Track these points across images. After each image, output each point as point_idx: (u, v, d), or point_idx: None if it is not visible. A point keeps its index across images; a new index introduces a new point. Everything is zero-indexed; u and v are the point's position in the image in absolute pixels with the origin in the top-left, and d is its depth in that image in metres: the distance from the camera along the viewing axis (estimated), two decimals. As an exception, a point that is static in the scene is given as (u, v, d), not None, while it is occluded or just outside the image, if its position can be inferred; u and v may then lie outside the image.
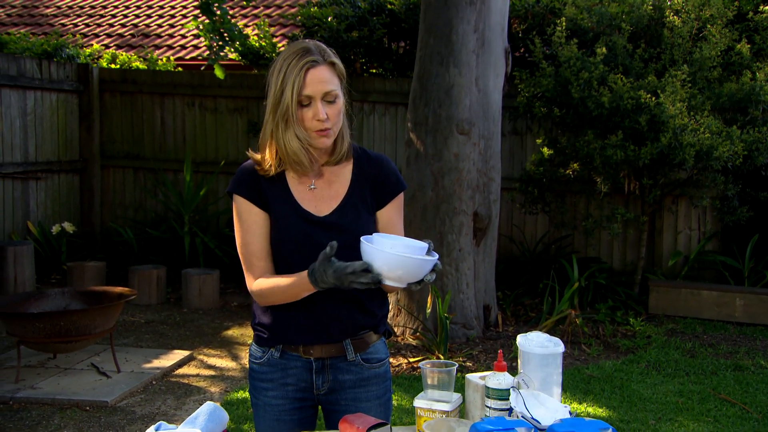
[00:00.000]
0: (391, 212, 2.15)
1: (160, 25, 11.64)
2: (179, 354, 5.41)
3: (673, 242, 7.32)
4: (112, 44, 10.94)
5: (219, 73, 7.13)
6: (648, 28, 6.73)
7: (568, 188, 7.26)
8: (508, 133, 7.48)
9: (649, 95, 6.05)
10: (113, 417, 4.34)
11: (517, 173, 7.44)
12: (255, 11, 11.45)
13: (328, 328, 2.08)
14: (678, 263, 7.20)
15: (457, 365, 2.02)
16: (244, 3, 10.71)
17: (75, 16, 12.21)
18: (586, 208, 7.43)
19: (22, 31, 10.72)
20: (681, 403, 4.63)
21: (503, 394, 1.88)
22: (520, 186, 7.18)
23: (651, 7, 6.70)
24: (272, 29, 10.08)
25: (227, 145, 8.34)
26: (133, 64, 9.59)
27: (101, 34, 11.45)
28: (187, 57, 10.38)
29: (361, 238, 1.84)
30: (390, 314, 5.88)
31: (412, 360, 5.36)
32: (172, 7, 12.29)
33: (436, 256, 1.84)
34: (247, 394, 4.58)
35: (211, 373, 5.19)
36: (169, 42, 10.97)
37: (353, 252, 1.88)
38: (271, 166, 2.06)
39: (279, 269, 2.07)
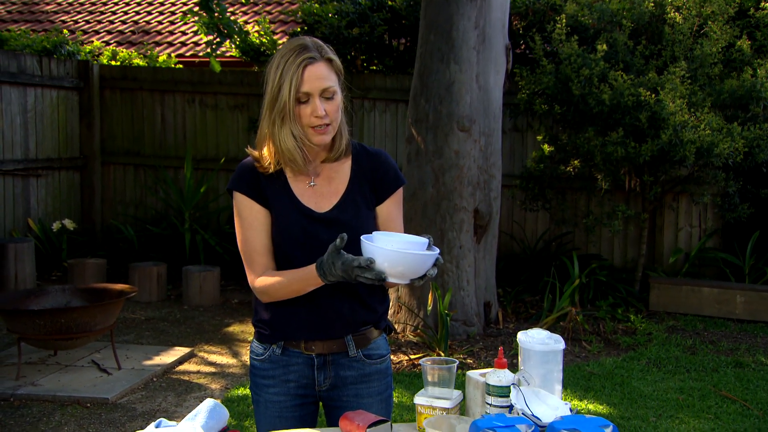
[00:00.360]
0: (391, 207, 2.15)
1: (160, 22, 11.64)
2: (180, 351, 5.41)
3: (673, 239, 7.31)
4: (112, 41, 10.93)
5: (215, 66, 7.12)
6: (649, 24, 6.72)
7: (568, 185, 7.26)
8: (508, 130, 7.47)
9: (649, 92, 6.04)
10: (114, 414, 4.34)
11: (517, 170, 7.44)
12: (255, 8, 11.44)
13: (330, 323, 2.08)
14: (679, 260, 7.20)
15: (457, 362, 2.02)
16: (243, 0, 10.72)
17: (75, 13, 12.20)
18: (586, 205, 7.42)
19: (22, 27, 10.71)
20: (681, 400, 4.63)
21: (504, 391, 1.88)
22: (520, 183, 7.18)
23: (652, 4, 6.69)
24: (273, 26, 10.07)
25: (228, 142, 8.34)
26: (134, 61, 9.59)
27: (101, 31, 11.44)
28: (188, 54, 10.37)
29: (362, 237, 1.84)
30: (391, 311, 5.88)
31: (412, 357, 5.36)
32: (173, 4, 12.28)
33: (437, 250, 1.84)
34: (247, 391, 4.58)
35: (212, 370, 5.19)
36: (170, 39, 10.96)
37: (354, 248, 1.88)
38: (270, 163, 2.06)
39: (280, 266, 2.07)
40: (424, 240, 1.83)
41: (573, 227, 7.44)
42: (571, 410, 1.88)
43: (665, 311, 6.59)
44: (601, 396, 4.69)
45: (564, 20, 6.48)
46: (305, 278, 1.95)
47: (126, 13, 12.09)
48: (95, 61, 9.18)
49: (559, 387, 1.98)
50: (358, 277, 1.81)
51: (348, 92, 2.09)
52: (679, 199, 7.21)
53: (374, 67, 8.26)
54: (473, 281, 5.94)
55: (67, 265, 7.28)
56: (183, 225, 7.80)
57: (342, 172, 2.12)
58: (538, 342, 1.97)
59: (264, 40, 8.36)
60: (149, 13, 12.06)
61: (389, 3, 7.93)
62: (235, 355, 5.52)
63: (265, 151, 2.07)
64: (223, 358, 5.43)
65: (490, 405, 1.89)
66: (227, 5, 11.04)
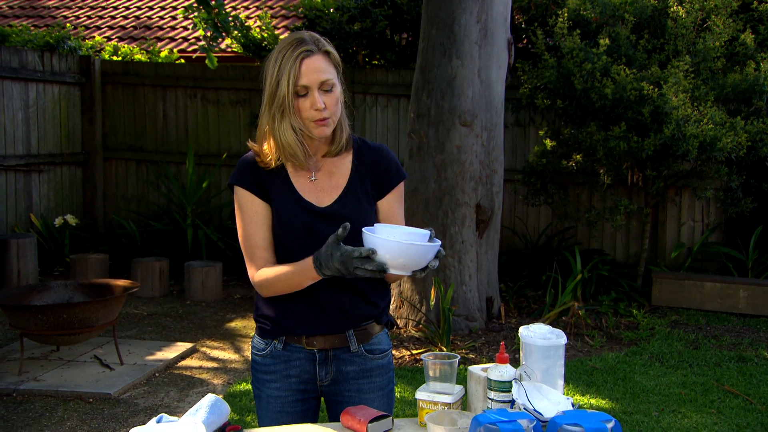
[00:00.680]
0: (392, 202, 2.14)
1: (161, 17, 11.63)
2: (182, 346, 5.41)
3: (676, 234, 7.30)
4: (114, 36, 10.93)
5: (212, 62, 7.10)
6: (651, 18, 6.70)
7: (571, 180, 7.24)
8: (510, 125, 7.46)
9: (652, 86, 6.03)
10: (116, 409, 4.34)
11: (519, 165, 7.43)
12: (257, 2, 11.43)
13: (331, 318, 2.08)
14: (681, 255, 7.19)
15: (459, 357, 2.02)
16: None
17: (77, 8, 12.19)
18: (589, 199, 7.41)
19: (23, 23, 10.69)
20: (684, 394, 4.63)
21: (505, 386, 1.87)
22: (522, 178, 7.17)
23: (654, -2, 6.67)
24: (274, 21, 10.06)
25: (229, 137, 8.34)
26: (135, 57, 9.58)
27: (103, 26, 11.43)
28: (189, 49, 10.36)
29: (363, 229, 1.84)
30: (392, 306, 5.88)
31: (414, 352, 5.36)
32: (174, -1, 12.27)
33: (439, 242, 1.83)
34: (249, 386, 4.59)
35: (214, 365, 5.19)
36: (171, 34, 10.95)
37: (356, 242, 1.88)
38: (271, 159, 2.06)
39: (281, 260, 2.06)
40: (425, 232, 1.83)
41: (575, 222, 7.43)
42: (573, 405, 1.87)
43: (668, 306, 6.58)
44: (604, 391, 4.69)
45: (566, 14, 6.46)
46: (302, 271, 1.94)
47: (127, 8, 12.08)
48: (97, 57, 9.17)
49: (561, 382, 1.98)
50: (356, 269, 1.79)
51: (347, 86, 2.08)
52: (682, 194, 7.20)
53: (376, 62, 8.24)
54: (475, 276, 5.94)
55: (69, 261, 7.29)
56: (185, 220, 7.80)
57: (343, 167, 2.11)
58: (540, 337, 1.97)
59: (265, 34, 8.35)
60: (151, 8, 12.05)
61: (391, -3, 7.92)
62: (237, 350, 5.52)
63: (266, 147, 2.07)
64: (225, 354, 5.43)
65: (492, 400, 1.88)
66: (228, 0, 11.05)
